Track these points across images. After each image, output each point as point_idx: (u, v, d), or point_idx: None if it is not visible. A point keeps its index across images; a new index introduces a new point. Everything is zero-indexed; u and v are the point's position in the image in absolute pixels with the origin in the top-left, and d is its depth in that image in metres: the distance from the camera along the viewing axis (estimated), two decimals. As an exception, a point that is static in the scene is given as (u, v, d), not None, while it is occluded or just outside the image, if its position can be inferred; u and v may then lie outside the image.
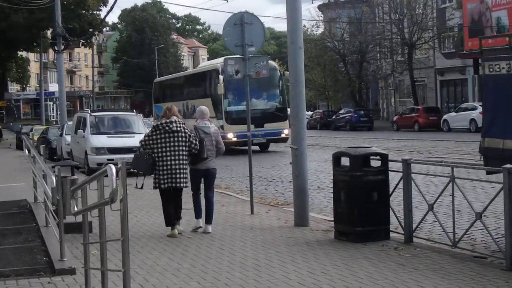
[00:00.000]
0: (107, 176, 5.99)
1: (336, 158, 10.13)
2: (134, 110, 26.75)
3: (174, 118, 10.75)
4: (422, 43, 53.79)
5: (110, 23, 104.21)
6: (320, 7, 73.07)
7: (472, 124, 40.48)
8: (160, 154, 10.65)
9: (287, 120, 30.08)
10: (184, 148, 10.67)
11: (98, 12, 59.04)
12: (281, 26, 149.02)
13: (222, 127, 29.61)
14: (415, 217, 9.71)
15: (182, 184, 10.74)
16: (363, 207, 9.53)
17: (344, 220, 9.77)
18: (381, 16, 59.83)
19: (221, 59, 25.25)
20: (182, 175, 10.69)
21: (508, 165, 7.88)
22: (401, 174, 9.64)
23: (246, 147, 27.96)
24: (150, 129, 11.09)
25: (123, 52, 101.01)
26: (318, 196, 15.28)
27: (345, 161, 10.02)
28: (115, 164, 6.19)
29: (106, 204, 6.07)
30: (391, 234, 9.78)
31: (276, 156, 28.50)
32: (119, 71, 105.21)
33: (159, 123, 10.88)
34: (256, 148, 30.65)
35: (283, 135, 30.75)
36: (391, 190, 9.84)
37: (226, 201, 14.83)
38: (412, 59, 53.56)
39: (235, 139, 29.52)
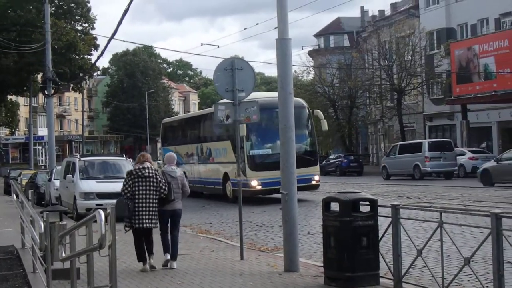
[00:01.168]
0: (95, 221, 5.98)
1: (326, 203, 10.14)
2: (124, 155, 26.73)
3: (146, 164, 11.76)
4: (411, 89, 54.45)
5: (100, 67, 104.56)
6: (310, 53, 73.80)
7: (461, 170, 40.69)
8: (132, 197, 11.55)
9: (318, 165, 27.93)
10: (154, 192, 11.63)
11: (89, 57, 59.10)
12: (272, 71, 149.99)
13: (244, 173, 25.56)
14: (404, 262, 9.68)
15: (151, 225, 11.69)
16: (353, 253, 9.51)
17: (334, 265, 9.74)
18: (371, 62, 60.43)
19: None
20: (152, 217, 11.65)
21: (497, 210, 7.90)
22: (390, 219, 9.64)
23: (272, 195, 27.16)
24: (126, 176, 11.96)
25: (114, 96, 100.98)
26: (308, 242, 15.23)
27: (334, 206, 10.02)
28: (104, 209, 6.19)
29: (94, 250, 6.06)
30: (381, 280, 9.74)
31: (266, 201, 28.37)
32: (109, 115, 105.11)
33: (132, 169, 11.93)
34: (278, 196, 29.21)
35: (313, 182, 26.84)
36: (380, 235, 9.83)
37: (215, 246, 14.77)
38: (401, 105, 54.03)
39: (259, 187, 26.01)
